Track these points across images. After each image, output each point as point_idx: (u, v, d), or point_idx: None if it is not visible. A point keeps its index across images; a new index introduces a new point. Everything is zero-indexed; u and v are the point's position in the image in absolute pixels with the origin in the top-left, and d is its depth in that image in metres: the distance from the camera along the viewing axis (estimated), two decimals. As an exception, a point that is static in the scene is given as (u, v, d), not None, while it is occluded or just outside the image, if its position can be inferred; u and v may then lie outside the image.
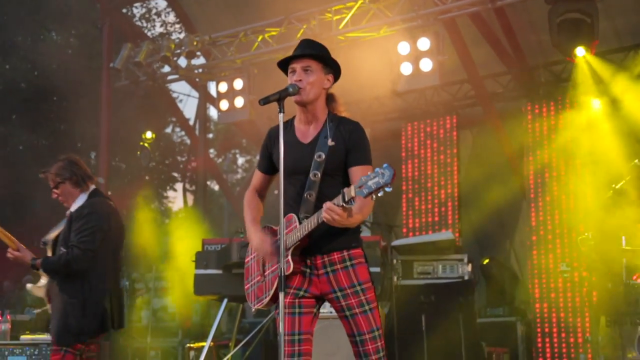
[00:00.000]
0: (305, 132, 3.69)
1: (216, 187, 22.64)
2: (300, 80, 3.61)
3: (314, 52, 3.68)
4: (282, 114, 3.52)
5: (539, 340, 9.26)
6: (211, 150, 19.42)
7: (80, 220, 4.97)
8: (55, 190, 5.14)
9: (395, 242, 8.36)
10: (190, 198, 17.69)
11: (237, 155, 25.45)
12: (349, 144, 3.58)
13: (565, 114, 9.53)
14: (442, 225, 10.37)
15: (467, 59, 10.22)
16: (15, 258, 5.03)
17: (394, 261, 7.95)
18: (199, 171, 13.75)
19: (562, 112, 9.62)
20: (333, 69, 3.73)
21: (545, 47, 10.06)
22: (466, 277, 7.79)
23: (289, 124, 3.74)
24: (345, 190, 3.27)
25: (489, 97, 10.83)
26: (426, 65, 8.90)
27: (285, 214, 3.54)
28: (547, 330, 9.27)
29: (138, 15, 16.85)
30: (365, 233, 9.98)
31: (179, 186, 18.53)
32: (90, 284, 4.94)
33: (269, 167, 3.82)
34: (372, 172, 3.21)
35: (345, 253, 3.59)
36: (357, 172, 3.53)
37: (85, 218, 4.97)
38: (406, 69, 9.02)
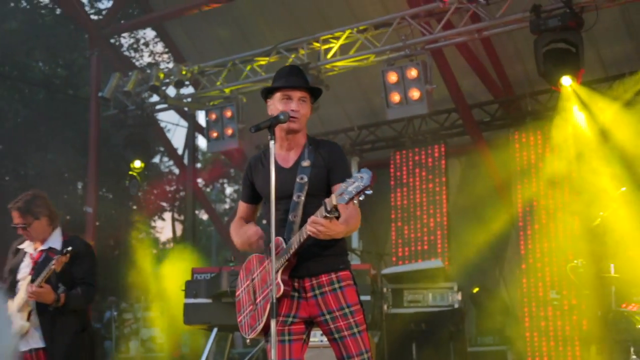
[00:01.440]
0: (286, 158, 3.72)
1: (205, 217, 22.59)
2: (297, 110, 3.66)
3: (311, 86, 3.78)
4: (273, 141, 3.55)
5: (530, 368, 9.26)
6: (199, 180, 19.40)
7: (85, 257, 5.06)
8: (24, 225, 5.04)
9: (385, 271, 8.37)
10: (179, 227, 17.65)
11: (225, 185, 25.44)
12: (329, 163, 3.64)
13: (551, 142, 9.61)
14: (432, 253, 10.38)
15: (455, 88, 10.32)
16: (39, 294, 4.88)
17: (384, 289, 7.95)
18: (188, 200, 13.74)
19: (548, 141, 9.70)
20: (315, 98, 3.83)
21: (532, 77, 10.18)
22: (456, 306, 7.80)
23: (267, 153, 3.74)
24: (327, 200, 3.30)
25: (476, 126, 10.90)
26: (414, 94, 8.96)
27: (270, 239, 3.58)
28: (537, 359, 9.26)
29: (126, 45, 16.95)
30: (355, 261, 10.00)
31: (167, 215, 18.50)
32: (87, 317, 5.07)
33: (251, 196, 3.85)
34: (350, 178, 3.22)
35: (333, 275, 3.60)
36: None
37: (89, 256, 5.09)
38: (394, 97, 9.07)
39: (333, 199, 3.25)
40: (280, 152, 3.74)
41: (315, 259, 3.57)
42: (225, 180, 24.43)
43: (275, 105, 3.69)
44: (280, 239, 3.54)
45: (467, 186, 11.46)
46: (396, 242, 10.84)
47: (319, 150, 3.69)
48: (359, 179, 3.17)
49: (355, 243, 11.10)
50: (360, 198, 3.17)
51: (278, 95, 3.70)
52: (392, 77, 9.07)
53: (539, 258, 9.54)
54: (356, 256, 10.12)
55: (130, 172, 11.14)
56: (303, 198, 3.58)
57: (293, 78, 3.72)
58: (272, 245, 3.44)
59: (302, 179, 3.60)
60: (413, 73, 8.96)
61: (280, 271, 3.51)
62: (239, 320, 3.79)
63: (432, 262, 8.89)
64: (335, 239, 3.48)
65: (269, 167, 3.56)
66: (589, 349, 7.49)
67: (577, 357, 9.01)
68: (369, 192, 3.16)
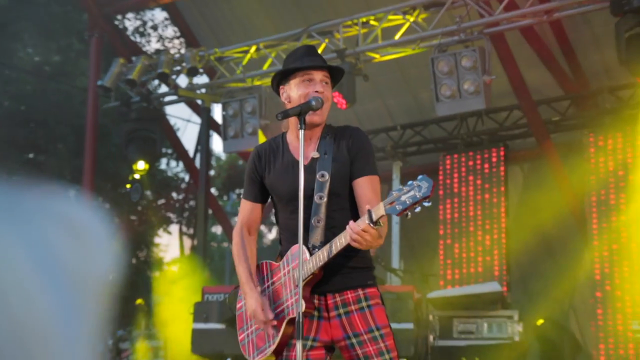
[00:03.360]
0: (304, 151, 3.68)
1: (218, 231, 22.67)
2: (322, 92, 3.64)
3: (333, 65, 3.76)
4: (302, 130, 3.55)
5: (604, 417, 9.16)
6: (212, 190, 19.52)
7: None
8: None
9: (432, 294, 8.34)
10: (187, 243, 17.72)
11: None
12: (352, 151, 3.62)
13: (634, 146, 9.52)
14: (487, 277, 10.32)
15: (518, 81, 10.28)
16: None
17: (430, 317, 7.92)
18: (199, 212, 13.78)
19: (631, 145, 9.61)
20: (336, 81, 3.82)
21: (611, 68, 10.12)
22: (517, 339, 7.75)
23: (280, 142, 3.76)
24: (373, 208, 3.27)
25: (543, 126, 10.84)
26: (470, 86, 8.96)
27: (290, 245, 3.60)
28: (614, 406, 9.16)
29: (132, 28, 17.13)
30: (395, 282, 9.98)
31: (174, 229, 18.59)
32: None
33: (259, 193, 3.81)
34: (405, 186, 3.20)
35: (360, 292, 3.57)
36: (363, 185, 3.57)
37: None
38: (446, 90, 9.08)
39: (381, 208, 3.24)
40: (296, 144, 3.70)
41: (340, 272, 3.56)
42: (242, 190, 24.59)
43: (293, 91, 3.68)
44: (304, 247, 3.51)
45: (530, 198, 11.42)
46: (444, 262, 10.82)
47: (340, 139, 3.67)
48: (415, 188, 3.17)
49: (395, 262, 11.09)
50: (416, 210, 3.17)
51: (296, 79, 3.68)
52: (444, 67, 9.07)
53: (617, 285, 9.43)
54: (397, 277, 10.09)
55: (132, 176, 11.22)
56: (325, 199, 3.56)
57: (312, 58, 3.70)
58: (300, 252, 3.44)
59: (322, 176, 3.58)
60: (469, 62, 8.95)
61: (302, 283, 3.48)
62: (240, 338, 3.77)
63: (488, 285, 8.80)
64: (360, 249, 3.45)
65: (285, 160, 3.56)
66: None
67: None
68: (427, 203, 3.16)
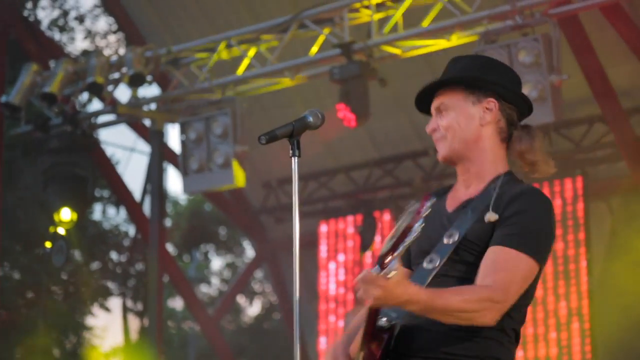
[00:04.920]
0: (456, 199, 3.83)
1: (178, 306, 22.55)
2: (434, 130, 3.83)
3: (441, 78, 3.85)
4: (296, 157, 3.67)
5: None
6: (168, 247, 19.45)
7: None
8: None
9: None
10: (134, 323, 17.62)
11: (211, 254, 25.43)
12: (504, 213, 3.65)
13: None
14: (564, 361, 10.30)
15: (601, 82, 10.28)
16: None
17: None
18: (150, 279, 13.70)
19: None
20: (490, 88, 3.82)
21: None
22: None
23: (448, 189, 3.93)
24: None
25: (638, 144, 10.83)
26: (531, 91, 8.94)
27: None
28: None
29: (47, 21, 17.12)
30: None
31: (115, 304, 18.48)
32: None
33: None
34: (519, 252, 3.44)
35: None
36: (491, 258, 3.61)
37: None
38: (498, 97, 9.07)
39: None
40: (456, 191, 3.87)
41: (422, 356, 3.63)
42: (210, 246, 24.43)
43: None
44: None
45: (623, 247, 11.34)
46: None
47: (500, 190, 3.70)
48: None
49: None
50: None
51: None
52: None
53: None
54: None
55: (53, 230, 11.17)
56: (438, 265, 3.64)
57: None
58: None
59: (450, 236, 3.66)
60: (529, 56, 8.98)
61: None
62: None
63: None
64: (411, 309, 3.50)
65: (439, 208, 3.71)
66: None
67: None
68: (413, 235, 3.30)
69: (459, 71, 3.83)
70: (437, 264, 3.62)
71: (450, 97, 3.79)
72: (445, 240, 3.64)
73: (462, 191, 3.79)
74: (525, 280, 3.59)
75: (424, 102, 3.89)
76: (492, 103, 3.75)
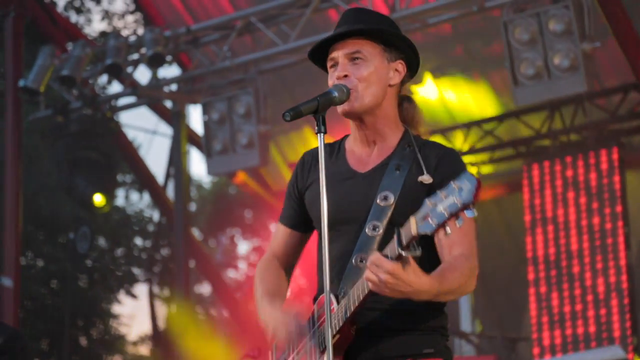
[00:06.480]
0: (364, 158, 3.84)
1: (206, 291, 22.60)
2: (345, 76, 3.79)
3: (364, 27, 3.80)
4: (322, 133, 3.67)
5: None
6: (194, 232, 19.44)
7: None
8: None
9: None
10: (161, 310, 17.63)
11: (237, 239, 25.48)
12: (436, 176, 3.70)
13: None
14: (603, 338, 10.31)
15: (635, 48, 10.08)
16: None
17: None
18: (176, 265, 13.70)
19: None
20: (403, 51, 3.86)
21: None
22: None
23: (336, 147, 3.94)
24: (403, 228, 3.35)
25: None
26: (562, 60, 8.94)
27: (319, 294, 3.73)
28: None
29: (63, 2, 17.13)
30: (468, 351, 9.87)
31: (141, 290, 18.54)
32: None
33: (297, 217, 4.02)
34: (443, 189, 3.27)
35: None
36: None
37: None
38: (527, 69, 9.05)
39: (412, 226, 3.31)
40: (355, 149, 3.89)
41: (385, 334, 3.66)
42: (237, 230, 24.48)
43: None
44: (332, 296, 3.63)
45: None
46: (539, 319, 10.77)
47: (426, 156, 3.77)
48: (455, 192, 3.23)
49: (466, 323, 11.06)
50: (458, 224, 3.24)
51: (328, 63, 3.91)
52: (522, 33, 9.10)
53: None
54: (470, 344, 10.03)
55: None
56: (381, 230, 3.66)
57: (340, 27, 3.85)
58: (327, 306, 3.51)
59: (385, 198, 3.68)
60: (559, 23, 8.95)
61: (330, 345, 3.53)
62: None
63: (605, 350, 8.91)
64: (421, 299, 3.51)
65: (340, 169, 3.76)
66: None
67: None
68: (470, 213, 3.23)
69: (376, 24, 3.82)
70: (381, 230, 3.65)
71: (369, 49, 3.78)
72: (379, 202, 3.68)
73: (365, 150, 3.83)
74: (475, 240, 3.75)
75: (320, 50, 3.89)
76: (401, 65, 3.84)
